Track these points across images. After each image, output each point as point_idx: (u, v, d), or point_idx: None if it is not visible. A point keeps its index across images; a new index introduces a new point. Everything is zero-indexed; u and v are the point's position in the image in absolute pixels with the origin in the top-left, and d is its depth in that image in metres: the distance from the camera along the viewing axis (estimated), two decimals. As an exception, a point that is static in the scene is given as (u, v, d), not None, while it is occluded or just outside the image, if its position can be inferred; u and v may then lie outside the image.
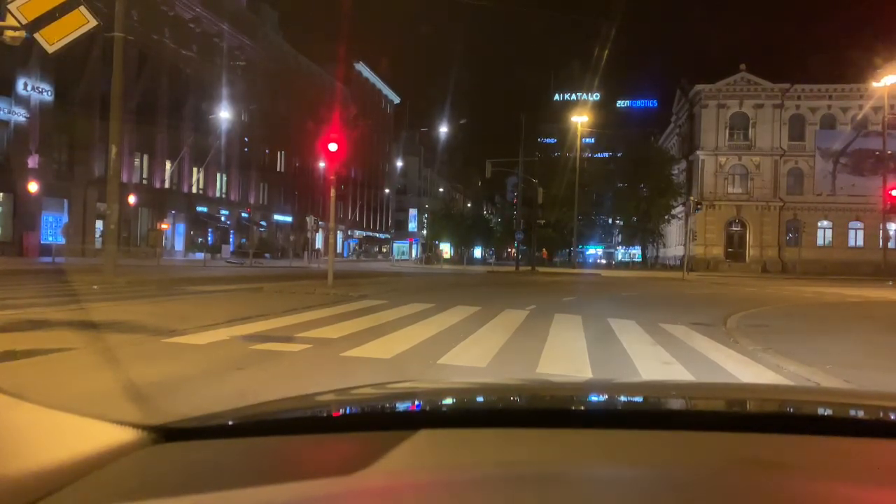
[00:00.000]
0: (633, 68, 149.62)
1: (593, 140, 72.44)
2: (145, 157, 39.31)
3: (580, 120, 48.66)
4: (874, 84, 39.14)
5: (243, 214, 50.58)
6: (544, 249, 47.76)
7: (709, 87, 49.76)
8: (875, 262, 39.11)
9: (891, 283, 28.06)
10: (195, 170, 43.66)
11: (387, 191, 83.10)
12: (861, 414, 1.26)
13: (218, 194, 47.75)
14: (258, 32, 51.04)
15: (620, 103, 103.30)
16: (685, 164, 53.69)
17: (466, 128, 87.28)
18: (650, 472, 0.86)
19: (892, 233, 39.22)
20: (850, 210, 48.26)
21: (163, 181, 40.45)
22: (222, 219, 47.85)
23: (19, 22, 10.73)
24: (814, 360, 6.22)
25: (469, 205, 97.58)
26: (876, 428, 1.12)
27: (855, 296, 18.44)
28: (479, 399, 1.54)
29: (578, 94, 73.70)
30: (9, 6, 10.68)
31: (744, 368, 6.23)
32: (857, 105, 47.83)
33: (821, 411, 1.28)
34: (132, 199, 34.92)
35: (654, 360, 6.46)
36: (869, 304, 15.80)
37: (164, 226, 39.05)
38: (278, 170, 57.07)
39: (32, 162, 30.81)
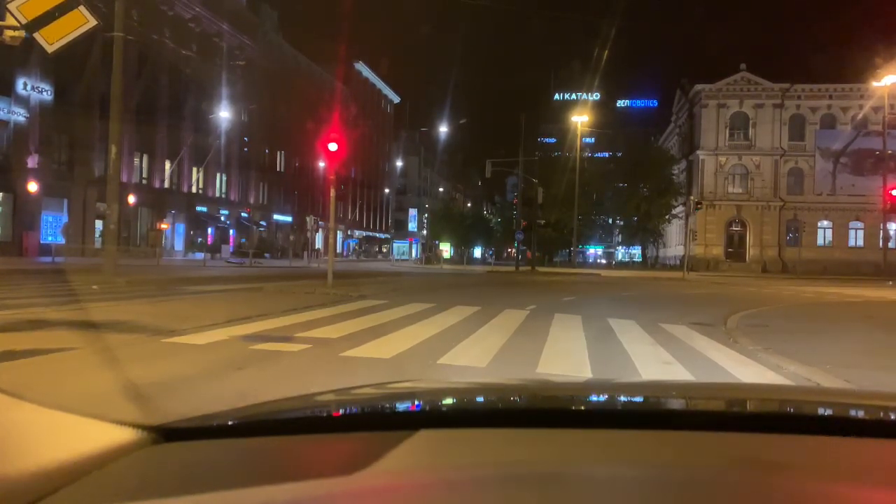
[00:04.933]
0: (633, 68, 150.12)
1: (593, 140, 72.54)
2: (145, 157, 39.32)
3: (580, 120, 48.67)
4: (874, 84, 39.14)
5: (243, 214, 50.58)
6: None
7: (709, 86, 49.75)
8: (875, 261, 39.12)
9: (891, 282, 28.07)
10: (195, 170, 43.66)
11: (387, 191, 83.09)
12: (861, 414, 1.26)
13: (218, 194, 47.75)
14: (258, 32, 51.03)
15: (620, 103, 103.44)
16: (685, 164, 53.68)
17: (466, 128, 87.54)
18: (650, 472, 0.86)
19: (892, 233, 39.18)
20: (850, 210, 48.26)
21: (162, 181, 40.45)
22: (222, 219, 47.85)
23: (19, 22, 10.72)
24: (814, 360, 6.22)
25: (469, 205, 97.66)
26: (876, 428, 1.12)
27: (855, 296, 18.44)
28: (479, 399, 1.54)
29: (578, 94, 73.73)
30: (8, 6, 10.67)
31: (744, 368, 6.23)
32: (857, 105, 47.83)
33: (821, 411, 1.28)
34: (132, 199, 34.94)
35: (654, 360, 6.46)
36: (869, 303, 15.80)
37: (163, 226, 39.07)
38: (278, 170, 57.07)
39: (32, 162, 30.81)
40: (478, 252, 76.38)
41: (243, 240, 48.53)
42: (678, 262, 44.12)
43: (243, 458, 0.97)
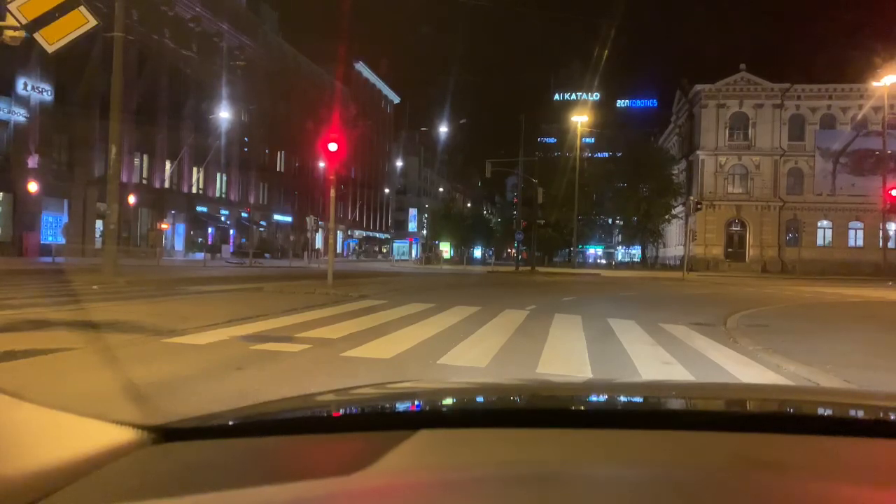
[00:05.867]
0: (633, 68, 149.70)
1: (593, 140, 72.49)
2: (145, 157, 39.32)
3: (580, 120, 48.70)
4: (874, 84, 39.12)
5: (243, 214, 50.58)
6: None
7: (709, 86, 49.77)
8: (875, 262, 39.13)
9: (890, 283, 28.06)
10: (195, 170, 43.67)
11: (387, 191, 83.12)
12: (861, 414, 1.26)
13: (218, 194, 47.75)
14: (258, 32, 51.04)
15: (620, 103, 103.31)
16: (685, 164, 53.71)
17: (466, 128, 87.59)
18: (650, 472, 0.86)
19: (891, 233, 39.19)
20: (850, 210, 48.28)
21: (162, 181, 40.46)
22: (222, 219, 47.85)
23: (19, 22, 10.73)
24: (814, 360, 6.22)
25: (469, 205, 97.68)
26: (876, 428, 1.12)
27: (855, 296, 18.44)
28: (479, 399, 1.54)
29: (578, 94, 73.81)
30: (9, 6, 10.68)
31: (744, 368, 6.23)
32: (857, 105, 47.84)
33: (821, 411, 1.28)
34: (132, 199, 34.93)
35: (654, 360, 6.46)
36: (869, 304, 15.80)
37: (163, 226, 39.07)
38: (278, 170, 57.09)
39: (32, 162, 30.81)
40: (478, 252, 76.40)
41: (243, 240, 48.52)
42: (678, 262, 44.13)
43: (243, 458, 0.97)
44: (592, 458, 0.94)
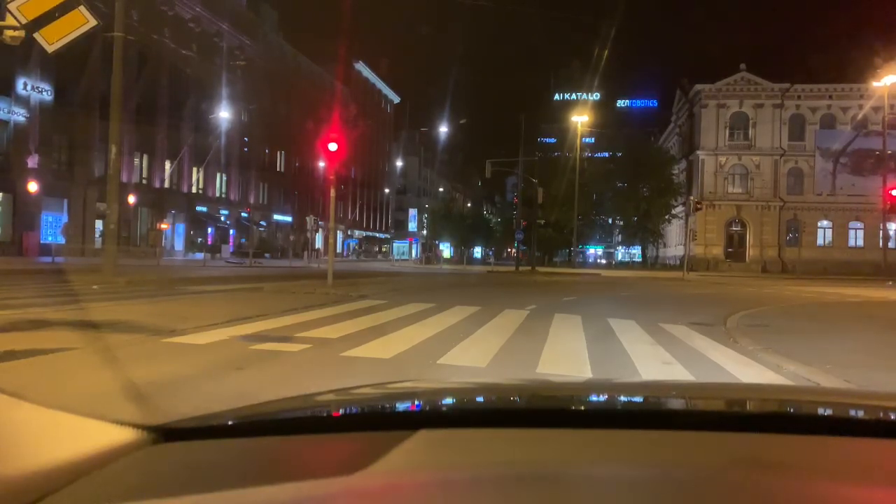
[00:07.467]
0: (633, 68, 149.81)
1: (593, 140, 72.42)
2: (145, 157, 39.33)
3: (580, 120, 48.67)
4: (874, 84, 39.08)
5: (243, 214, 50.57)
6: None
7: (709, 86, 49.76)
8: (875, 261, 39.09)
9: (890, 283, 28.05)
10: (195, 169, 43.68)
11: (387, 191, 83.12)
12: (861, 414, 1.26)
13: (218, 194, 47.75)
14: (258, 32, 51.04)
15: (620, 103, 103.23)
16: (685, 164, 53.69)
17: (466, 128, 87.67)
18: (650, 472, 0.86)
19: (892, 233, 39.17)
20: (850, 210, 48.26)
21: (162, 181, 40.47)
22: (222, 219, 47.84)
23: (19, 21, 10.73)
24: (814, 360, 6.22)
25: (469, 205, 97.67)
26: (876, 428, 1.12)
27: (855, 296, 18.43)
28: (479, 399, 1.54)
29: (578, 93, 73.71)
30: (9, 6, 10.68)
31: (744, 368, 6.23)
32: (857, 105, 47.82)
33: (821, 411, 1.28)
34: (132, 199, 34.95)
35: (654, 360, 6.46)
36: (869, 303, 15.79)
37: (163, 226, 39.08)
38: (278, 170, 57.09)
39: (32, 162, 30.82)
40: (478, 252, 76.36)
41: (243, 240, 48.52)
42: (678, 262, 44.12)
43: (243, 458, 0.97)
44: (592, 458, 0.94)
